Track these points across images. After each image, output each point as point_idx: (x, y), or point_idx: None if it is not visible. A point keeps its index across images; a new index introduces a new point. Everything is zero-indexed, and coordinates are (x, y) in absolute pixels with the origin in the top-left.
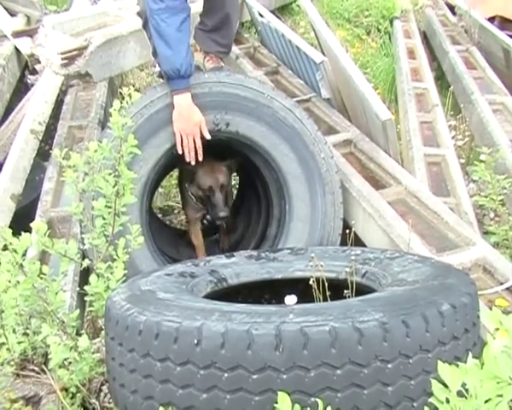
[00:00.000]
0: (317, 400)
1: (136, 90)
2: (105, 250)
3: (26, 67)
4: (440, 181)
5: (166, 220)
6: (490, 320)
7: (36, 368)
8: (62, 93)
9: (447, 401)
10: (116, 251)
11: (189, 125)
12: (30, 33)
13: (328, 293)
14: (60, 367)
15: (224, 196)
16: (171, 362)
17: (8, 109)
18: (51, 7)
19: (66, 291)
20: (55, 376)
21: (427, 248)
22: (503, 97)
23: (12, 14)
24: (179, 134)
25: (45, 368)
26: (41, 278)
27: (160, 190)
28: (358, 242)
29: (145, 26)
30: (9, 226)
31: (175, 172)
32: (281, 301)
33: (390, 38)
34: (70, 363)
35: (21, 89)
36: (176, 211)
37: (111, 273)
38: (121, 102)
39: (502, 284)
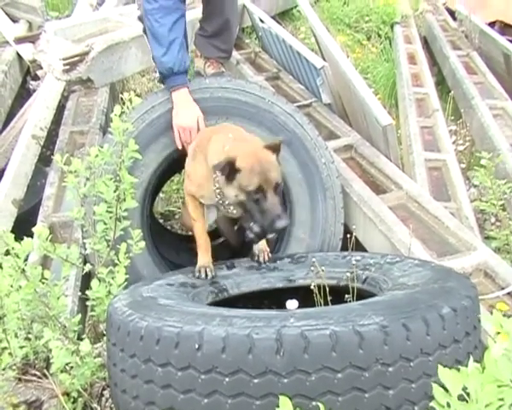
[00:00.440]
0: (319, 404)
1: (137, 95)
2: (106, 255)
3: (28, 73)
4: (441, 186)
5: (167, 225)
6: (491, 324)
7: (38, 373)
8: (64, 99)
9: (448, 405)
10: (117, 256)
11: (187, 120)
12: (32, 39)
13: (329, 298)
14: (61, 372)
15: (281, 198)
16: (172, 367)
17: (10, 115)
18: (53, 13)
19: (68, 296)
20: (56, 380)
21: (428, 252)
22: (504, 102)
23: (14, 20)
24: (177, 129)
25: (47, 373)
26: (43, 283)
27: (160, 195)
28: (359, 247)
29: (146, 30)
30: (11, 231)
31: (176, 177)
32: (283, 309)
33: (390, 44)
34: (72, 367)
35: (23, 94)
36: (176, 216)
37: (112, 278)
38: (122, 108)
39: (503, 288)
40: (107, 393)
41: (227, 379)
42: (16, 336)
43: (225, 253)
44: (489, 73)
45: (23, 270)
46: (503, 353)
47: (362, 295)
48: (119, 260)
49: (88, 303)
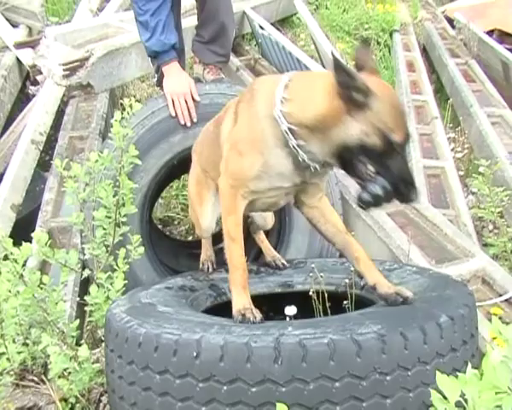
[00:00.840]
0: None
1: (137, 101)
2: (105, 260)
3: (28, 78)
4: (439, 193)
5: (166, 231)
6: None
7: (35, 378)
8: (63, 104)
9: None
10: (116, 261)
11: (179, 86)
12: (32, 44)
13: (328, 304)
14: (59, 377)
15: None
16: (170, 375)
17: (10, 120)
18: (53, 18)
19: (67, 301)
20: (54, 386)
21: (426, 259)
22: (502, 110)
23: (14, 25)
24: (170, 96)
25: (45, 378)
26: (41, 288)
27: (159, 200)
28: None
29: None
30: (10, 236)
31: (175, 183)
32: (280, 314)
33: (390, 51)
34: (69, 373)
35: (22, 99)
36: (176, 222)
37: (111, 284)
38: (122, 113)
39: (501, 295)
40: (104, 399)
41: (225, 387)
42: (14, 341)
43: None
44: (487, 81)
45: (21, 275)
46: (502, 360)
47: (360, 301)
48: (117, 265)
49: (86, 309)
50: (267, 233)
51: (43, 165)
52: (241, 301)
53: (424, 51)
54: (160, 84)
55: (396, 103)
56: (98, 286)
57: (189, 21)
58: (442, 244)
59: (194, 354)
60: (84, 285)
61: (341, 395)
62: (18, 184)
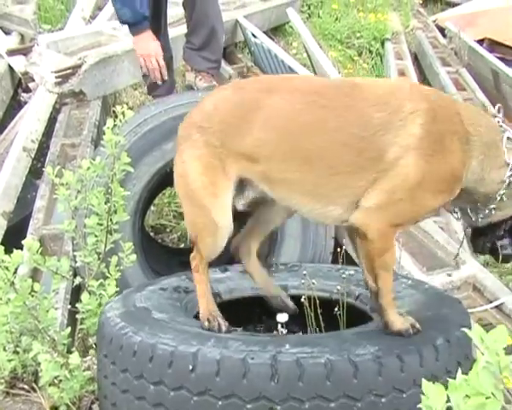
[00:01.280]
0: None
1: (129, 108)
2: (97, 268)
3: (20, 85)
4: None
5: (158, 239)
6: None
7: (26, 386)
8: (55, 111)
9: None
10: (108, 269)
11: (149, 47)
12: (24, 51)
13: (319, 311)
14: (50, 385)
15: None
16: (164, 386)
17: (1, 127)
18: (46, 26)
19: (58, 309)
20: (45, 394)
21: (417, 266)
22: (492, 118)
23: (6, 32)
24: (141, 57)
25: (35, 386)
26: (32, 296)
27: (152, 208)
28: (350, 260)
29: None
30: (1, 244)
31: (167, 191)
32: (273, 317)
33: (381, 60)
34: (60, 381)
35: (14, 106)
36: (168, 229)
37: (103, 291)
38: (114, 121)
39: (491, 302)
40: (95, 407)
41: (220, 403)
42: (4, 349)
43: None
44: (478, 90)
45: (12, 282)
46: (484, 365)
47: (353, 311)
48: (109, 272)
49: (78, 316)
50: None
51: (35, 172)
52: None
53: (416, 60)
54: (150, 92)
55: None
56: (90, 294)
57: (179, 30)
58: (433, 251)
59: (190, 367)
60: (76, 293)
61: None
62: (9, 191)
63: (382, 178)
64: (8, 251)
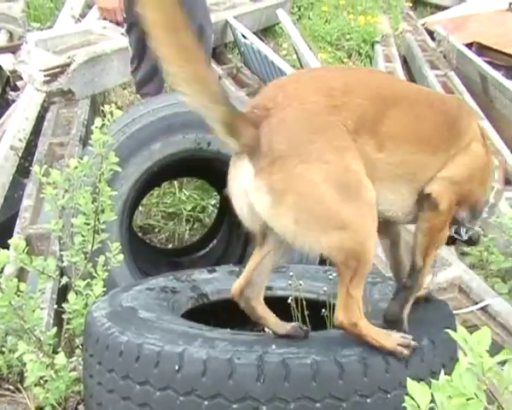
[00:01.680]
0: None
1: (118, 108)
2: (84, 267)
3: (8, 84)
4: None
5: (146, 239)
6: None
7: (11, 387)
8: (44, 110)
9: None
10: (95, 269)
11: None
12: (12, 50)
13: (306, 312)
14: (36, 386)
15: None
16: (150, 386)
17: None
18: (34, 24)
19: (44, 309)
20: (30, 394)
21: None
22: (480, 121)
23: None
24: (102, 12)
25: (21, 387)
26: (18, 296)
27: (140, 208)
28: None
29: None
30: None
31: (155, 191)
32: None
33: (371, 62)
34: (46, 381)
35: (2, 105)
36: (156, 230)
37: (90, 291)
38: (103, 120)
39: (477, 303)
40: (81, 408)
41: (206, 403)
42: None
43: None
44: (466, 93)
45: None
46: (467, 367)
47: None
48: (96, 272)
49: (64, 316)
50: (246, 241)
51: (23, 171)
52: None
53: (405, 62)
54: (138, 91)
55: None
56: (76, 294)
57: None
58: None
59: (177, 367)
60: (63, 293)
61: None
62: None
63: (460, 154)
64: None
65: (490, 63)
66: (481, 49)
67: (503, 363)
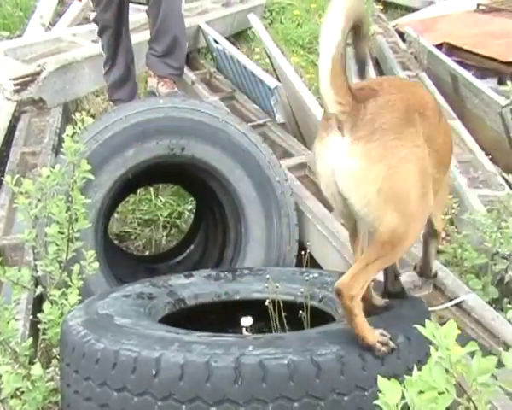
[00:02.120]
0: None
1: (91, 115)
2: (59, 277)
3: None
4: None
5: (123, 246)
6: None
7: None
8: (15, 119)
9: None
10: (70, 277)
11: None
12: None
13: (284, 314)
14: (12, 397)
15: None
16: (128, 392)
17: None
18: (4, 32)
19: (19, 320)
20: (7, 406)
21: None
22: (452, 121)
23: None
24: None
25: None
26: None
27: (115, 215)
28: (314, 263)
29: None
30: None
31: (131, 198)
32: (237, 321)
33: None
34: (23, 393)
35: None
36: (132, 237)
37: (65, 300)
38: (74, 128)
39: (451, 300)
40: None
41: (184, 407)
42: None
43: None
44: (437, 93)
45: None
46: (436, 361)
47: (317, 314)
48: (71, 281)
49: (40, 326)
50: (223, 246)
51: None
52: None
53: (377, 64)
54: (111, 96)
55: None
56: (52, 303)
57: (142, 36)
58: None
59: (154, 372)
60: (38, 303)
61: None
62: None
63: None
64: None
65: (460, 63)
66: (451, 50)
67: (472, 356)
